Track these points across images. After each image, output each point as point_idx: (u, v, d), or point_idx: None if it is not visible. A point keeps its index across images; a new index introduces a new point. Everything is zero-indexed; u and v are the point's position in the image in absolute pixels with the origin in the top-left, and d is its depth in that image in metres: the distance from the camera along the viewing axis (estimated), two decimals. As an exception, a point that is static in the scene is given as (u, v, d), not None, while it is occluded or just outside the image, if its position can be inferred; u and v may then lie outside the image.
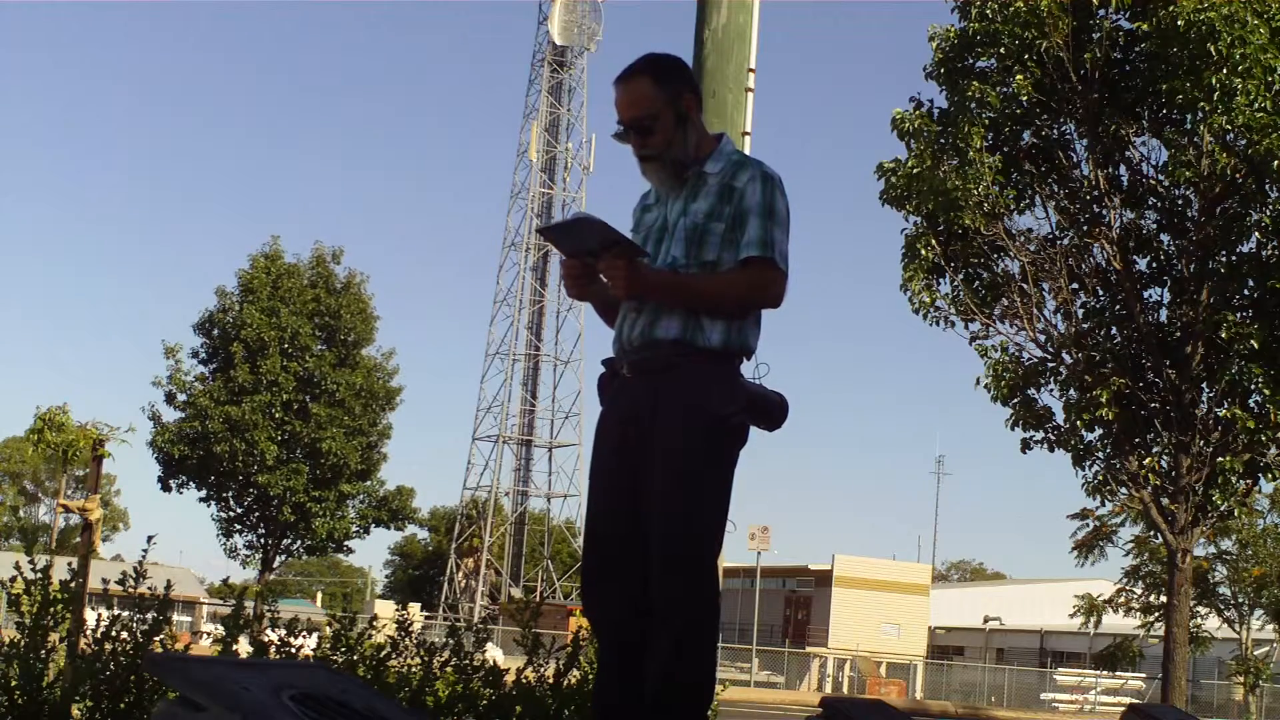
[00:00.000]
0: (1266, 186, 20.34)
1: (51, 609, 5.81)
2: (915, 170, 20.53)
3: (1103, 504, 25.47)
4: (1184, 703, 22.42)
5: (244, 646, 5.99)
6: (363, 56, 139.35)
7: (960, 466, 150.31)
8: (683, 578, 3.91)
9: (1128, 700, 34.45)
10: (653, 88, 4.09)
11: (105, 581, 5.98)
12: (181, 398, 37.92)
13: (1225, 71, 18.95)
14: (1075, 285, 21.91)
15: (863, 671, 50.34)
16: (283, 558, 41.14)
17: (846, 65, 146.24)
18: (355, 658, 6.11)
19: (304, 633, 6.11)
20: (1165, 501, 21.56)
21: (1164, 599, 32.03)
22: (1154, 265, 22.10)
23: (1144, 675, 47.97)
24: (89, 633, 5.88)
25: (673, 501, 3.91)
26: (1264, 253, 20.90)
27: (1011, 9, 20.21)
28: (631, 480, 3.98)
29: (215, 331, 38.52)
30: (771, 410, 4.09)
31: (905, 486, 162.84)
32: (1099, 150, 21.23)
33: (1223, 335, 20.22)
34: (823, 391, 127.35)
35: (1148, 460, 21.48)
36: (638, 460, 3.97)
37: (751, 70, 6.34)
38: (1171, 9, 19.26)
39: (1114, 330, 21.90)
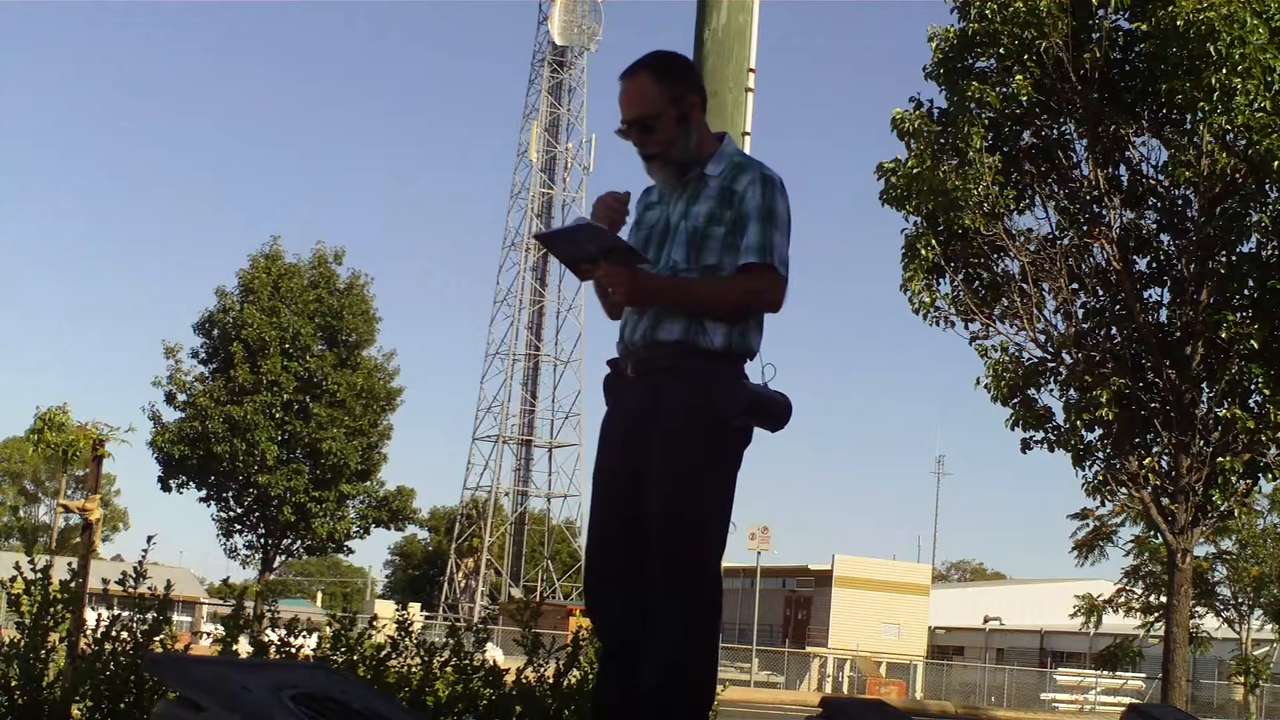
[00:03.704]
0: (1266, 186, 20.33)
1: (51, 609, 5.81)
2: (915, 170, 20.51)
3: (1103, 504, 25.48)
4: (1184, 703, 22.41)
5: (244, 646, 5.98)
6: (363, 56, 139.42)
7: (960, 466, 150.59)
8: (684, 578, 3.91)
9: (1128, 700, 34.43)
10: (655, 86, 4.08)
11: (105, 581, 5.99)
12: (182, 398, 37.88)
13: (1225, 71, 18.93)
14: (1075, 285, 21.90)
15: (863, 671, 50.29)
16: (283, 558, 41.09)
17: (846, 65, 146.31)
18: (355, 658, 6.10)
19: (304, 633, 6.10)
20: (1165, 501, 21.56)
21: (1164, 599, 32.01)
22: (1154, 265, 22.09)
23: (1144, 675, 47.93)
24: (89, 633, 5.88)
25: (674, 502, 3.91)
26: (1264, 253, 20.89)
27: (1011, 9, 20.20)
28: (634, 481, 3.99)
29: (215, 331, 38.48)
30: (775, 411, 4.09)
31: (905, 486, 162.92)
32: (1099, 150, 21.22)
33: (1223, 335, 20.22)
34: (823, 391, 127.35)
35: (1148, 460, 21.47)
36: (640, 460, 3.97)
37: (751, 70, 6.33)
38: (1171, 9, 19.25)
39: (1114, 330, 21.89)
